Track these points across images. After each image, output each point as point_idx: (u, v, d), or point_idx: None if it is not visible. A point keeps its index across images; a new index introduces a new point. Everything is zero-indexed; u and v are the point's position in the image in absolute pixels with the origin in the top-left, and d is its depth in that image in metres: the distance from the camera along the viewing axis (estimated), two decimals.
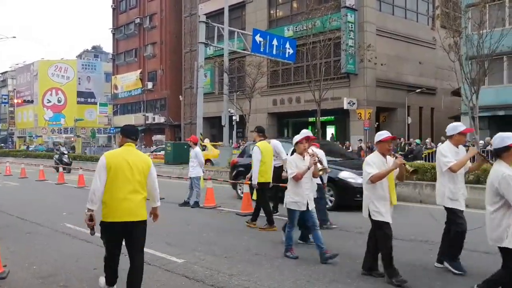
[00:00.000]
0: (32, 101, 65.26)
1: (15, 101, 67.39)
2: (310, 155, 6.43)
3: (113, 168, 4.41)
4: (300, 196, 6.31)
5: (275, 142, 9.74)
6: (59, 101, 70.44)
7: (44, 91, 70.11)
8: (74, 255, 6.64)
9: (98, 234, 4.60)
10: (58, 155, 27.24)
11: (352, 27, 28.07)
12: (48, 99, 70.24)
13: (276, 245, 7.15)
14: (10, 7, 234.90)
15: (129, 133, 4.72)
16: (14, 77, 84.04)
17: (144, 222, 4.58)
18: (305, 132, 7.02)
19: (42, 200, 13.21)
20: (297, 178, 6.26)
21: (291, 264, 6.04)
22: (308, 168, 6.32)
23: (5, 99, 66.63)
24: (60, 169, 20.99)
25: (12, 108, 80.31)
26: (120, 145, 4.76)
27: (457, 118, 26.45)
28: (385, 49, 29.47)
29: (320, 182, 8.21)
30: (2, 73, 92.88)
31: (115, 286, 4.82)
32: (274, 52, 24.51)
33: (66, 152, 28.26)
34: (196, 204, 11.43)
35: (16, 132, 79.52)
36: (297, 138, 6.57)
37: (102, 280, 4.87)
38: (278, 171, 9.16)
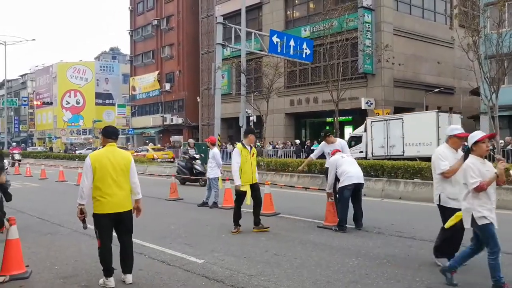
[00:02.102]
0: (51, 103, 66.21)
1: (35, 103, 68.46)
2: (497, 160, 5.09)
3: (98, 167, 5.03)
4: (489, 210, 4.82)
5: (343, 142, 9.51)
6: (77, 103, 71.37)
7: (63, 93, 71.13)
8: (94, 255, 6.72)
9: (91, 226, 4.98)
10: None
11: (369, 27, 27.93)
12: (67, 101, 71.23)
13: (294, 246, 7.16)
14: (29, 10, 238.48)
15: (110, 134, 5.30)
16: (33, 79, 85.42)
17: (130, 212, 5.28)
18: (457, 129, 5.81)
19: (62, 201, 13.40)
20: (481, 189, 4.75)
21: (311, 265, 6.03)
22: (497, 176, 4.79)
23: (25, 101, 67.79)
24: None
25: (32, 110, 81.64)
26: (103, 145, 5.29)
27: (476, 118, 26.12)
28: (402, 48, 29.25)
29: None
30: (21, 76, 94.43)
31: (112, 277, 5.23)
32: (291, 52, 24.51)
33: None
34: (215, 204, 11.48)
35: (36, 134, 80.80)
36: (476, 136, 4.97)
37: (101, 280, 5.30)
38: None
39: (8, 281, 5.45)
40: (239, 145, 8.42)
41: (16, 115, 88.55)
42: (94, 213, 5.13)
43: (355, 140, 23.68)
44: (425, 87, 30.60)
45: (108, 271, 5.23)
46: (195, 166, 17.13)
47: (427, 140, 19.86)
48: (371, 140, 22.52)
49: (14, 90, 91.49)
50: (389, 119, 22.11)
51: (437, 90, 29.92)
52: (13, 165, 28.47)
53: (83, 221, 5.24)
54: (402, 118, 21.73)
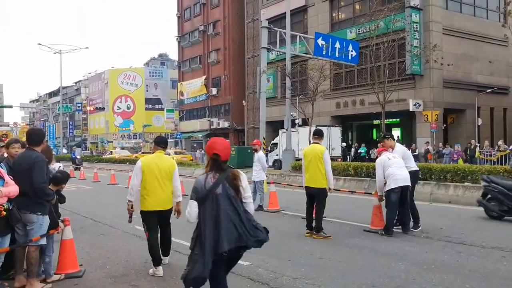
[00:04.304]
0: (103, 108, 68.46)
1: (88, 108, 71.02)
2: None
3: (146, 170, 5.83)
4: None
5: (403, 149, 9.10)
6: (128, 108, 73.53)
7: (114, 98, 73.45)
8: (144, 256, 6.94)
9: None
10: None
11: (417, 27, 27.30)
12: (118, 106, 73.51)
13: (340, 249, 7.13)
14: (82, 20, 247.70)
15: (159, 142, 6.14)
16: (87, 86, 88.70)
17: (170, 209, 6.05)
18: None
19: (114, 203, 13.85)
20: None
21: (356, 269, 6.00)
22: None
23: (79, 107, 70.45)
24: None
25: (85, 115, 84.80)
26: (153, 152, 6.14)
27: None
28: (452, 48, 28.42)
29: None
30: (76, 82, 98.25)
31: (160, 266, 5.91)
32: (337, 55, 24.31)
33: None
34: (260, 207, 11.55)
35: (89, 138, 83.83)
36: None
37: (151, 270, 5.97)
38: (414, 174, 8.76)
39: (64, 279, 5.73)
40: (324, 147, 8.46)
41: (71, 121, 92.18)
42: (141, 210, 5.94)
43: (275, 146, 30.91)
44: (476, 87, 29.57)
45: (156, 260, 5.90)
46: None
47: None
48: (281, 146, 28.52)
49: (69, 96, 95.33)
50: (292, 131, 27.26)
51: (490, 90, 28.85)
52: (75, 169, 28.91)
53: (130, 215, 6.12)
54: (297, 131, 28.27)
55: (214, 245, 3.61)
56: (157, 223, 6.02)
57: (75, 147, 56.15)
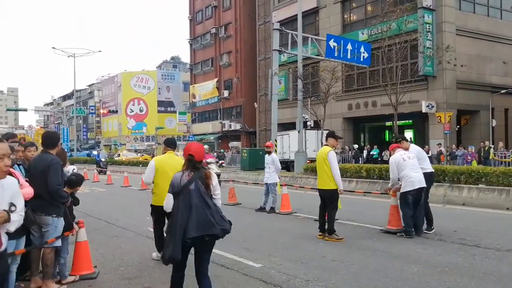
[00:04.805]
0: (116, 111, 69.01)
1: (101, 111, 71.66)
2: None
3: (159, 168, 6.39)
4: None
5: (418, 149, 8.94)
6: (141, 111, 74.02)
7: (127, 101, 74.01)
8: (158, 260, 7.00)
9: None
10: None
11: (429, 28, 27.13)
12: (131, 109, 74.04)
13: (352, 251, 7.11)
14: (95, 24, 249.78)
15: (169, 144, 6.76)
16: (100, 89, 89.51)
17: None
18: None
19: (127, 205, 13.96)
20: None
21: (369, 272, 5.98)
22: None
23: (92, 110, 71.16)
24: None
25: (99, 118, 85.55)
26: (164, 153, 6.77)
27: None
28: (465, 49, 28.20)
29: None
30: (89, 86, 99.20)
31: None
32: (349, 56, 24.27)
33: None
34: (272, 209, 11.57)
35: (102, 141, 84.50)
36: None
37: (154, 254, 6.63)
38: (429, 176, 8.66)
39: (78, 280, 5.79)
40: (329, 148, 8.27)
41: (84, 123, 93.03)
42: (152, 204, 6.55)
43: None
44: (490, 88, 29.28)
45: (161, 246, 6.05)
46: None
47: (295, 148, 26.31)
48: (281, 148, 29.72)
49: (82, 99, 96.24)
50: (283, 134, 30.09)
51: (504, 91, 28.54)
52: (100, 172, 28.33)
53: None
54: (289, 134, 29.67)
55: (183, 231, 4.18)
56: (164, 218, 6.28)
57: (99, 149, 55.98)
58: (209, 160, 18.61)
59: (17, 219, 3.01)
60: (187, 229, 4.17)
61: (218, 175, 17.96)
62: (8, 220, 2.92)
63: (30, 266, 5.46)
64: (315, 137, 28.43)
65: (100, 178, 25.58)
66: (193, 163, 4.39)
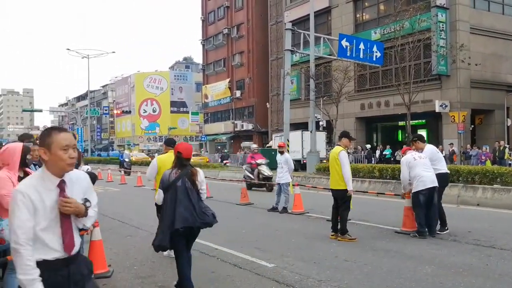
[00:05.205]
0: (129, 112, 69.44)
1: (115, 112, 72.15)
2: None
3: (161, 166, 6.60)
4: None
5: (433, 150, 8.76)
6: (154, 111, 74.44)
7: (140, 101, 74.47)
8: (170, 257, 7.04)
9: None
10: None
11: (443, 27, 26.90)
12: (144, 109, 74.50)
13: (365, 252, 7.08)
14: (109, 25, 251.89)
15: (169, 143, 7.13)
16: (113, 90, 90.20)
17: None
18: None
19: (141, 205, 14.04)
20: None
21: (382, 272, 5.95)
22: None
23: (106, 110, 71.72)
24: None
25: (112, 119, 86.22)
26: (165, 152, 7.15)
27: None
28: (480, 48, 27.91)
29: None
30: (103, 86, 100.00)
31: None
32: (361, 56, 24.17)
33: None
34: (285, 209, 11.56)
35: (116, 141, 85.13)
36: None
37: (166, 252, 6.67)
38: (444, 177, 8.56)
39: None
40: (341, 148, 8.20)
41: (98, 124, 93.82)
42: (156, 203, 6.52)
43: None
44: (506, 87, 28.94)
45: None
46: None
47: (296, 148, 29.17)
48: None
49: (96, 100, 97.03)
50: (281, 135, 29.91)
51: None
52: (124, 172, 27.50)
53: None
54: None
55: (170, 223, 4.75)
56: None
57: (123, 149, 56.15)
58: (259, 161, 17.45)
59: (93, 214, 2.79)
60: (174, 221, 4.72)
61: (270, 178, 16.77)
62: (85, 214, 2.69)
63: None
64: (314, 138, 28.97)
65: (125, 178, 25.01)
66: (181, 160, 4.90)
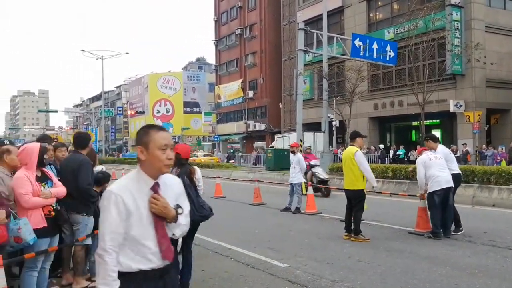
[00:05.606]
0: (143, 112, 69.85)
1: (129, 112, 72.59)
2: None
3: None
4: None
5: (446, 151, 8.76)
6: (167, 111, 74.82)
7: (154, 102, 74.90)
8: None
9: None
10: None
11: (458, 26, 26.63)
12: (157, 110, 74.92)
13: (379, 252, 7.06)
14: (123, 26, 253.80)
15: None
16: (127, 90, 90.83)
17: None
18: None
19: None
20: None
21: (396, 273, 5.93)
22: None
23: (120, 111, 72.22)
24: None
25: (126, 119, 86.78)
26: None
27: None
28: (496, 46, 27.58)
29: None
30: (117, 87, 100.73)
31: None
32: (374, 55, 24.01)
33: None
34: (298, 210, 11.56)
35: (130, 141, 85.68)
36: None
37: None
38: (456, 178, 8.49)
39: None
40: (356, 148, 8.19)
41: (112, 124, 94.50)
42: None
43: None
44: None
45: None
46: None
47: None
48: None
49: (110, 101, 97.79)
50: (283, 136, 33.10)
51: None
52: None
53: None
54: (288, 135, 32.32)
55: None
56: None
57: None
58: (313, 162, 15.78)
59: (184, 222, 2.53)
60: None
61: (326, 181, 15.51)
62: (174, 219, 2.47)
63: (62, 263, 5.61)
64: (313, 139, 30.05)
65: None
66: (180, 160, 5.20)
